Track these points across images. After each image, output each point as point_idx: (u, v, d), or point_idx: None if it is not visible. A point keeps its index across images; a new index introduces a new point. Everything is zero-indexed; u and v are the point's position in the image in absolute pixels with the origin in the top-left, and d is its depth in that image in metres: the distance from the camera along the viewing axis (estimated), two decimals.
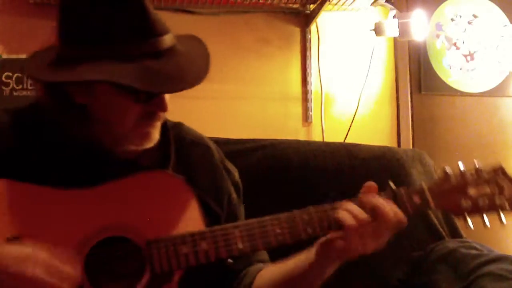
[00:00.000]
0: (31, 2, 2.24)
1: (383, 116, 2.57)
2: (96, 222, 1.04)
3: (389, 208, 1.04)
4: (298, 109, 2.49)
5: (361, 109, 2.49)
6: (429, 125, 2.59)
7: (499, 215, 1.09)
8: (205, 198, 1.18)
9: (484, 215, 1.09)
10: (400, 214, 1.05)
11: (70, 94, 1.08)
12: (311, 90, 2.48)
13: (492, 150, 2.62)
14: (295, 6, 2.45)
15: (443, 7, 2.63)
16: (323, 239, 1.08)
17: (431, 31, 2.59)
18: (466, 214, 1.09)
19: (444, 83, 2.60)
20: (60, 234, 1.03)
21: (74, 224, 1.04)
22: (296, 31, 2.51)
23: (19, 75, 2.25)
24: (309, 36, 2.50)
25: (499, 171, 1.11)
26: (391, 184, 1.10)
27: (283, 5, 2.42)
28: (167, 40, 1.06)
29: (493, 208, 1.09)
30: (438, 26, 2.62)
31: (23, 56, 2.24)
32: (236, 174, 1.34)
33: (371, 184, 1.09)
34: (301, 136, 2.46)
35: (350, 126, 2.46)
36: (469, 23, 2.64)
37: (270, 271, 1.19)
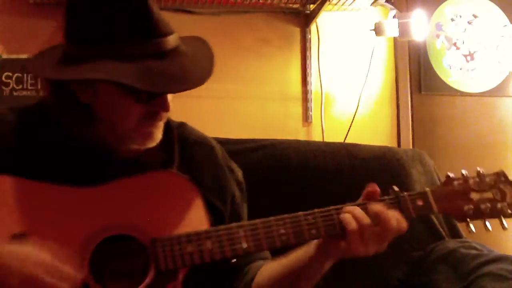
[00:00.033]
0: (31, 2, 2.24)
1: (383, 116, 2.57)
2: (101, 220, 1.05)
3: (391, 214, 1.05)
4: (298, 109, 2.49)
5: (361, 109, 2.50)
6: (429, 125, 2.59)
7: (500, 220, 1.10)
8: (209, 197, 1.19)
9: (486, 220, 1.10)
10: (402, 222, 1.06)
11: (74, 93, 1.09)
12: (311, 90, 2.48)
13: (492, 150, 2.62)
14: (295, 6, 2.45)
15: (443, 7, 2.63)
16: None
17: (431, 31, 2.59)
18: (468, 219, 1.10)
19: (444, 83, 2.60)
20: (66, 231, 1.03)
21: (80, 222, 1.04)
22: (296, 31, 2.51)
23: (19, 75, 2.26)
24: (309, 36, 2.50)
25: (501, 176, 1.12)
26: (395, 188, 1.11)
27: (283, 5, 2.42)
28: (171, 40, 1.07)
29: (495, 213, 1.10)
30: (438, 26, 2.62)
31: (23, 56, 2.25)
32: (239, 174, 1.35)
33: (374, 188, 1.10)
34: (301, 136, 2.46)
35: (350, 126, 2.46)
36: (469, 23, 2.65)
37: (271, 266, 1.20)
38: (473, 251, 1.57)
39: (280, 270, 1.16)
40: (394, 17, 2.37)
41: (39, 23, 2.26)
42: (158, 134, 1.13)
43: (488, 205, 1.10)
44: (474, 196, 1.11)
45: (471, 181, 1.11)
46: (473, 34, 2.64)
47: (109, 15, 1.03)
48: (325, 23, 2.51)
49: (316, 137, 2.47)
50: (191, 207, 1.11)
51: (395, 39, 2.54)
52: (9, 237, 1.00)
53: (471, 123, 2.62)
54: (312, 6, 2.45)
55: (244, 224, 1.08)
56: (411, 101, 2.58)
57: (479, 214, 1.10)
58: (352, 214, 1.05)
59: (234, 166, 1.35)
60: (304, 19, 2.50)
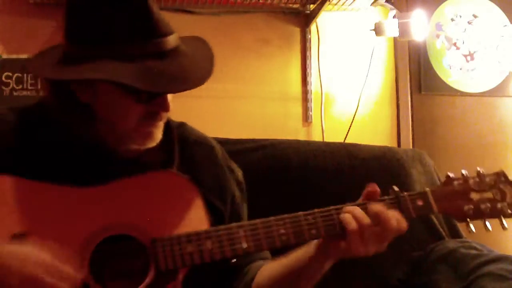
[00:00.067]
0: (31, 2, 2.24)
1: (383, 116, 2.57)
2: (101, 220, 1.05)
3: (391, 214, 1.05)
4: (298, 109, 2.49)
5: (361, 109, 2.50)
6: (429, 125, 2.59)
7: (500, 220, 1.10)
8: (209, 197, 1.19)
9: (486, 220, 1.10)
10: (402, 222, 1.06)
11: (74, 93, 1.09)
12: (311, 90, 2.48)
13: (492, 150, 2.62)
14: (295, 6, 2.45)
15: (443, 7, 2.63)
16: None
17: (431, 31, 2.59)
18: (468, 219, 1.10)
19: (444, 83, 2.60)
20: (66, 231, 1.03)
21: (80, 222, 1.04)
22: (296, 31, 2.51)
23: (19, 75, 2.26)
24: (309, 36, 2.50)
25: (501, 176, 1.12)
26: (395, 188, 1.11)
27: (283, 5, 2.42)
28: (171, 40, 1.07)
29: (495, 213, 1.10)
30: (438, 26, 2.62)
31: (23, 56, 2.25)
32: (239, 174, 1.35)
33: (374, 188, 1.10)
34: (301, 136, 2.46)
35: (350, 126, 2.46)
36: (469, 23, 2.65)
37: (271, 267, 1.20)
38: (473, 251, 1.57)
39: (280, 270, 1.16)
40: (394, 17, 2.37)
41: (39, 23, 2.26)
42: (158, 134, 1.13)
43: (488, 205, 1.10)
44: (474, 196, 1.11)
45: (471, 181, 1.12)
46: (473, 34, 2.64)
47: (109, 15, 1.03)
48: (325, 23, 2.51)
49: (316, 137, 2.47)
50: (191, 207, 1.11)
51: (395, 39, 2.54)
52: (9, 237, 1.00)
53: (471, 123, 2.62)
54: (312, 6, 2.45)
55: (244, 224, 1.08)
56: (411, 101, 2.58)
57: (479, 214, 1.10)
58: (352, 214, 1.05)
59: (234, 166, 1.35)
60: (304, 19, 2.50)
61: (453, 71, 2.61)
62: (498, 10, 2.67)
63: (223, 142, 1.42)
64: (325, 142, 2.34)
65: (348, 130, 2.45)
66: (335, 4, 2.39)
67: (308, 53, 2.49)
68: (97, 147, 1.13)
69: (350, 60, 2.53)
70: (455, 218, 1.14)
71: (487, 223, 1.10)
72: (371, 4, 2.42)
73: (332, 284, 1.18)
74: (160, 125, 1.13)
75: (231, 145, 1.66)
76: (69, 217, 1.05)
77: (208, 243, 1.04)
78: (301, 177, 1.84)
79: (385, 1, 2.37)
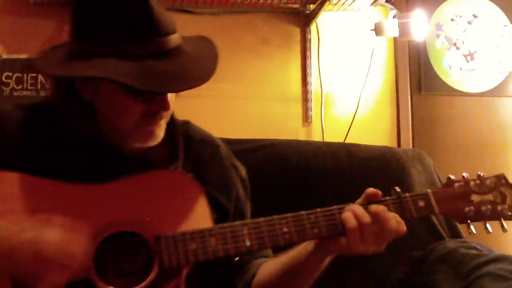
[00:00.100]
0: (31, 2, 2.24)
1: (383, 116, 2.57)
2: (105, 217, 1.06)
3: (391, 215, 1.06)
4: (298, 109, 2.49)
5: (361, 109, 2.50)
6: (429, 125, 2.59)
7: (501, 222, 1.12)
8: (214, 194, 1.20)
9: (486, 222, 1.12)
10: (402, 224, 1.07)
11: (78, 90, 1.10)
12: (311, 90, 2.48)
13: (492, 150, 2.62)
14: (295, 6, 2.45)
15: (443, 7, 2.63)
16: None
17: (431, 31, 2.59)
18: (469, 220, 1.12)
19: (444, 83, 2.60)
20: (70, 227, 1.03)
21: (84, 219, 1.04)
22: (296, 31, 2.51)
23: (19, 75, 2.26)
24: (309, 36, 2.50)
25: (502, 179, 1.14)
26: (397, 188, 1.12)
27: (283, 5, 2.42)
28: (173, 40, 1.07)
29: (496, 215, 1.11)
30: (438, 26, 2.62)
31: (23, 56, 2.25)
32: (243, 172, 1.36)
33: (375, 190, 1.11)
34: (301, 136, 2.46)
35: (350, 126, 2.46)
36: (469, 23, 2.65)
37: (271, 264, 1.21)
38: (473, 251, 1.58)
39: (280, 267, 1.17)
40: (394, 17, 2.37)
41: (39, 23, 2.27)
42: (160, 133, 1.13)
43: (489, 207, 1.11)
44: (475, 198, 1.12)
45: (472, 184, 1.13)
46: (473, 34, 2.64)
47: (111, 13, 1.04)
48: (325, 23, 2.51)
49: (316, 137, 2.47)
50: (195, 205, 1.12)
51: (395, 39, 2.54)
52: (15, 233, 1.00)
53: (471, 123, 2.62)
54: (312, 6, 2.44)
55: (248, 222, 1.09)
56: (411, 101, 2.58)
57: (480, 216, 1.11)
58: (353, 212, 1.06)
59: (238, 164, 1.36)
60: (304, 19, 2.50)
61: (453, 71, 2.61)
62: (498, 10, 2.67)
63: (224, 142, 1.42)
64: (325, 142, 2.34)
65: (348, 130, 2.45)
66: (335, 4, 2.39)
67: (308, 53, 2.49)
68: (101, 144, 1.14)
69: (350, 60, 2.53)
70: (455, 220, 1.16)
71: (488, 225, 1.11)
72: (371, 4, 2.42)
73: (332, 284, 1.18)
74: (161, 124, 1.13)
75: (231, 145, 1.66)
76: (73, 213, 1.05)
77: (211, 241, 1.05)
78: (301, 177, 1.85)
79: (385, 1, 2.37)
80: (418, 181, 1.89)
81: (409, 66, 2.58)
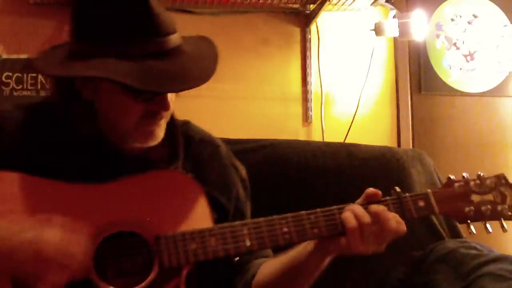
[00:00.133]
0: (31, 2, 2.24)
1: (383, 116, 2.57)
2: (106, 217, 1.06)
3: (392, 215, 1.06)
4: (298, 109, 2.49)
5: (361, 109, 2.50)
6: (429, 125, 2.59)
7: (501, 222, 1.12)
8: (214, 194, 1.21)
9: (487, 222, 1.12)
10: (402, 224, 1.07)
11: (78, 90, 1.10)
12: (311, 90, 2.48)
13: (492, 150, 2.62)
14: (295, 6, 2.45)
15: (443, 7, 2.63)
16: None
17: (431, 31, 2.59)
18: (469, 220, 1.12)
19: (444, 83, 2.60)
20: (70, 227, 1.03)
21: (84, 219, 1.04)
22: (296, 31, 2.51)
23: (19, 75, 2.25)
24: (309, 36, 2.50)
25: (502, 179, 1.14)
26: (397, 188, 1.12)
27: (283, 5, 2.42)
28: (173, 40, 1.07)
29: (496, 215, 1.12)
30: (438, 26, 2.62)
31: (23, 56, 2.25)
32: (243, 171, 1.36)
33: (375, 190, 1.11)
34: (301, 136, 2.46)
35: (350, 126, 2.46)
36: (469, 23, 2.65)
37: (271, 264, 1.21)
38: (473, 251, 1.58)
39: (280, 267, 1.17)
40: (394, 17, 2.37)
41: (39, 23, 2.27)
42: (160, 133, 1.13)
43: (489, 207, 1.11)
44: (475, 198, 1.12)
45: (471, 184, 1.13)
46: (473, 34, 2.64)
47: (110, 13, 1.04)
48: (325, 23, 2.51)
49: (316, 137, 2.47)
50: (195, 205, 1.12)
51: (395, 39, 2.54)
52: (15, 233, 1.00)
53: (471, 123, 2.62)
54: (312, 6, 2.44)
55: (248, 222, 1.09)
56: (411, 101, 2.58)
57: (480, 216, 1.12)
58: (352, 212, 1.07)
59: (238, 164, 1.36)
60: (304, 19, 2.50)
61: (453, 71, 2.61)
62: (498, 10, 2.67)
63: (224, 142, 1.42)
64: (325, 142, 2.34)
65: (348, 130, 2.45)
66: (335, 4, 2.39)
67: (308, 53, 2.49)
68: (101, 144, 1.14)
69: (350, 60, 2.53)
70: (456, 220, 1.16)
71: (488, 225, 1.12)
72: (371, 4, 2.42)
73: (332, 284, 1.18)
74: (161, 124, 1.13)
75: (231, 145, 1.66)
76: (73, 213, 1.05)
77: (211, 241, 1.05)
78: (301, 177, 1.85)
79: (385, 1, 2.37)
80: (418, 181, 1.89)
81: (409, 66, 2.58)
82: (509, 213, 1.11)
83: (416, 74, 2.59)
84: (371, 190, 1.11)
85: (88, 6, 1.06)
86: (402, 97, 2.57)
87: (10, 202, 1.04)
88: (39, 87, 2.26)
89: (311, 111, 2.48)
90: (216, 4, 2.37)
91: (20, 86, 2.25)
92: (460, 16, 2.64)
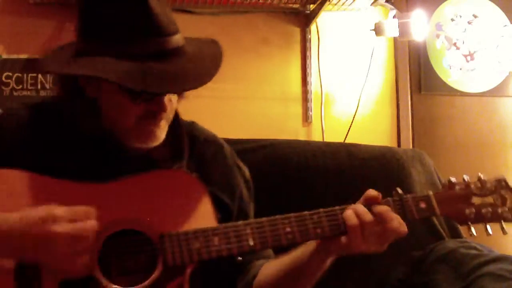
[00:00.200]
0: (31, 2, 2.24)
1: (383, 116, 2.57)
2: (110, 215, 1.06)
3: (394, 216, 1.07)
4: (298, 109, 2.49)
5: (361, 109, 2.50)
6: (429, 125, 2.59)
7: (501, 225, 1.13)
8: (218, 194, 1.21)
9: (487, 224, 1.13)
10: (403, 225, 1.08)
11: (82, 87, 1.11)
12: (311, 90, 2.48)
13: (492, 150, 2.62)
14: (295, 6, 2.45)
15: (443, 7, 2.63)
16: None
17: (431, 31, 2.59)
18: (469, 222, 1.13)
19: (444, 83, 2.60)
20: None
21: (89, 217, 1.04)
22: (296, 31, 2.51)
23: (19, 75, 2.26)
24: (309, 36, 2.50)
25: (502, 183, 1.15)
26: (399, 190, 1.13)
27: (283, 5, 2.42)
28: (174, 40, 1.07)
29: (496, 218, 1.13)
30: (438, 26, 2.62)
31: (23, 56, 2.25)
32: (247, 172, 1.37)
33: (375, 196, 1.11)
34: (301, 136, 2.46)
35: (350, 126, 2.46)
36: (469, 23, 2.65)
37: (272, 265, 1.21)
38: (473, 251, 1.58)
39: (281, 268, 1.17)
40: (394, 17, 2.37)
41: (39, 23, 2.27)
42: (160, 134, 1.13)
43: (489, 209, 1.13)
44: (476, 200, 1.14)
45: (472, 186, 1.14)
46: (473, 34, 2.64)
47: (111, 13, 1.04)
48: (325, 23, 2.51)
49: (316, 137, 2.47)
50: (199, 204, 1.12)
51: (395, 39, 2.54)
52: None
53: (471, 123, 2.62)
54: (312, 6, 2.44)
55: (251, 221, 1.10)
56: (411, 101, 2.58)
57: (481, 218, 1.13)
58: (354, 211, 1.07)
59: (242, 164, 1.37)
60: (304, 19, 2.50)
61: (453, 71, 2.62)
62: (498, 10, 2.67)
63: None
64: (325, 142, 2.34)
65: (348, 130, 2.45)
66: (335, 4, 2.39)
67: (308, 53, 2.49)
68: (105, 142, 1.14)
69: (350, 60, 2.53)
70: (456, 222, 1.18)
71: (488, 227, 1.13)
72: (371, 4, 2.42)
73: (332, 284, 1.18)
74: (161, 125, 1.13)
75: (231, 145, 1.66)
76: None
77: (215, 240, 1.06)
78: (301, 177, 1.85)
79: (385, 1, 2.37)
80: (418, 181, 1.89)
81: (409, 66, 2.58)
82: (510, 216, 1.12)
83: (416, 74, 2.59)
84: (371, 193, 1.11)
85: (91, 6, 1.07)
86: (402, 97, 2.57)
87: (17, 200, 1.05)
88: (39, 87, 2.26)
89: (311, 111, 2.48)
90: (216, 4, 2.37)
91: (20, 86, 2.26)
92: (460, 16, 2.64)
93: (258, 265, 1.23)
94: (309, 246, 1.12)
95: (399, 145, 2.54)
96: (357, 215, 1.06)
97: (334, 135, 2.45)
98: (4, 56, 2.26)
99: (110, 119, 1.12)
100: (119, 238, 1.06)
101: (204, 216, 1.11)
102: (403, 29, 2.32)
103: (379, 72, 2.56)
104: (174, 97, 1.13)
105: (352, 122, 2.47)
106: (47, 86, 2.26)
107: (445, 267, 1.59)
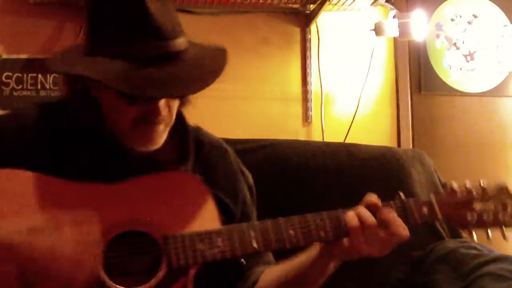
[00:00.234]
0: (31, 2, 2.24)
1: (383, 116, 2.57)
2: (115, 217, 1.06)
3: (397, 220, 1.08)
4: (298, 109, 2.49)
5: (361, 109, 2.50)
6: (429, 125, 2.59)
7: (502, 230, 1.14)
8: (222, 198, 1.21)
9: (488, 230, 1.14)
10: (406, 230, 1.08)
11: (87, 86, 1.11)
12: (311, 90, 2.49)
13: (492, 150, 2.62)
14: (295, 6, 2.45)
15: (443, 7, 2.63)
16: None
17: (431, 31, 2.59)
18: (471, 227, 1.14)
19: (444, 83, 2.60)
20: (79, 227, 1.03)
21: (94, 218, 1.04)
22: (296, 31, 2.51)
23: (19, 75, 2.26)
24: (309, 36, 2.50)
25: (504, 189, 1.16)
26: (401, 194, 1.13)
27: (283, 5, 2.42)
28: (176, 44, 1.07)
29: (497, 223, 1.14)
30: (438, 26, 2.62)
31: (23, 56, 2.25)
32: (250, 177, 1.37)
33: (376, 202, 1.11)
34: (301, 136, 2.46)
35: (350, 126, 2.46)
36: (469, 23, 2.65)
37: (274, 270, 1.21)
38: (473, 251, 1.57)
39: (283, 274, 1.17)
40: (394, 17, 2.37)
41: (39, 23, 2.27)
42: (158, 138, 1.13)
43: (491, 215, 1.13)
44: (477, 205, 1.14)
45: (474, 192, 1.15)
46: (473, 34, 2.64)
47: (111, 14, 1.05)
48: (325, 23, 2.51)
49: (316, 137, 2.47)
50: (204, 206, 1.13)
51: (395, 39, 2.54)
52: (26, 230, 1.00)
53: (471, 123, 2.62)
54: (312, 6, 2.44)
55: (255, 224, 1.10)
56: (411, 101, 2.58)
57: (482, 224, 1.14)
58: (355, 213, 1.07)
59: (245, 169, 1.37)
60: (304, 19, 2.50)
61: (453, 71, 2.62)
62: (498, 10, 2.67)
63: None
64: (325, 142, 2.34)
65: (348, 130, 2.45)
66: (335, 4, 2.39)
67: (308, 53, 2.49)
68: (110, 143, 1.14)
69: (350, 60, 2.53)
70: (458, 226, 1.19)
71: (489, 232, 1.13)
72: (371, 4, 2.42)
73: (332, 284, 1.18)
74: (159, 129, 1.12)
75: (231, 145, 1.66)
76: (83, 213, 1.05)
77: (219, 242, 1.06)
78: (301, 177, 1.84)
79: (385, 1, 2.37)
80: (418, 181, 1.89)
81: (409, 66, 2.58)
82: (511, 221, 1.13)
83: (416, 74, 2.59)
84: (371, 200, 1.10)
85: (96, 6, 1.07)
86: (402, 97, 2.57)
87: (22, 200, 1.05)
88: (39, 87, 2.26)
89: (311, 111, 2.48)
90: (216, 4, 2.37)
91: (20, 86, 2.26)
92: (460, 16, 2.64)
93: (259, 272, 1.23)
94: (313, 251, 1.12)
95: (399, 145, 2.54)
96: (359, 217, 1.06)
97: (334, 135, 2.45)
98: (4, 56, 2.26)
99: (110, 120, 1.13)
100: (124, 239, 1.06)
101: (208, 218, 1.11)
102: (403, 29, 2.32)
103: (379, 72, 2.56)
104: (174, 101, 1.12)
105: (352, 122, 2.47)
106: (47, 86, 2.26)
107: (445, 267, 1.59)
